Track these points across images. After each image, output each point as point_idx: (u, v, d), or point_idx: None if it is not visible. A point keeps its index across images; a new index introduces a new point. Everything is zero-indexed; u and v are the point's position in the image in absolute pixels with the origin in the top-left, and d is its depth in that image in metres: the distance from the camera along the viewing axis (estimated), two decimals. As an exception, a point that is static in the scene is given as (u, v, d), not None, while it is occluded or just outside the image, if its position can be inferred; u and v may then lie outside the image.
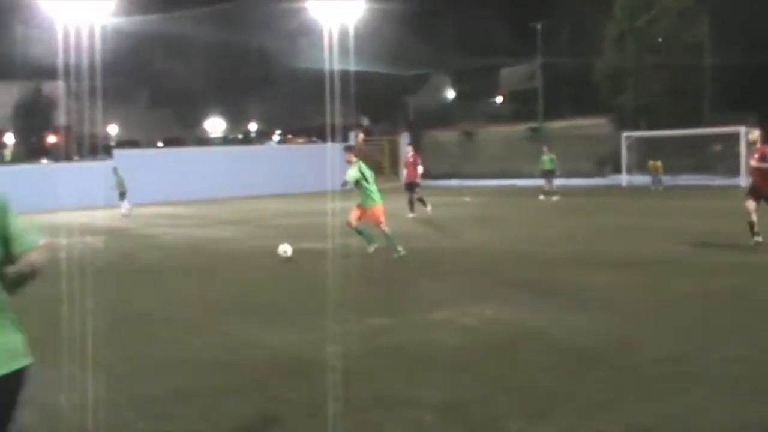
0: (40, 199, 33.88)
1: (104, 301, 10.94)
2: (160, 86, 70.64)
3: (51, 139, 66.42)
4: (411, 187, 25.53)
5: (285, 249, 15.59)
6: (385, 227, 15.46)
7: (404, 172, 26.62)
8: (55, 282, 13.16)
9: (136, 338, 9.29)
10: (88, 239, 22.15)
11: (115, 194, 32.34)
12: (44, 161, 53.38)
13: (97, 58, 41.17)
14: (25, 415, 6.48)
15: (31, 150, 63.69)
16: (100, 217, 30.63)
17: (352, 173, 15.48)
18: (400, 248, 15.17)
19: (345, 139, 50.28)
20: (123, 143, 62.33)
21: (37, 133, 66.61)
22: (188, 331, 9.57)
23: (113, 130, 71.50)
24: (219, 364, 7.98)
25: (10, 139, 67.74)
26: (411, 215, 24.42)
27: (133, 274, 15.26)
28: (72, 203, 32.53)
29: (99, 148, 49.54)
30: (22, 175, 40.12)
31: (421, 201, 24.87)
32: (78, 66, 42.52)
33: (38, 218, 31.02)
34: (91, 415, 6.33)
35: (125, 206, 32.01)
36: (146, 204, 38.27)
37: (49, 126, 66.81)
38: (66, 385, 7.32)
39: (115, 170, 33.52)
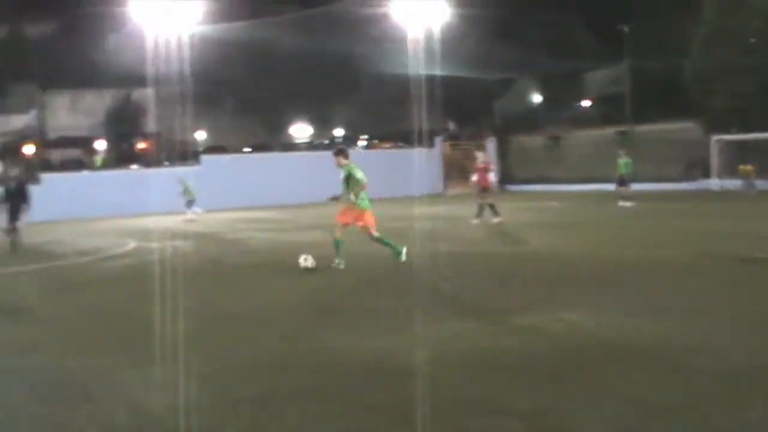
0: (131, 203, 34.55)
1: (193, 303, 11.09)
2: (247, 93, 71.29)
3: (141, 145, 67.64)
4: (482, 193, 25.26)
5: (305, 258, 15.26)
6: (341, 231, 15.58)
7: (475, 178, 26.27)
8: (147, 284, 13.44)
9: (224, 340, 9.35)
10: (177, 243, 22.47)
11: (183, 201, 32.84)
12: (134, 167, 54.32)
13: (186, 66, 41.86)
14: (116, 414, 6.66)
15: (121, 156, 64.88)
16: (189, 221, 31.03)
17: (361, 175, 15.39)
18: (338, 261, 15.23)
19: (431, 144, 50.23)
20: (210, 149, 63.08)
21: (128, 140, 67.86)
22: (275, 335, 9.61)
23: (201, 136, 72.46)
24: (305, 368, 7.98)
25: (101, 145, 69.09)
26: (475, 221, 24.20)
27: (220, 277, 15.42)
28: (161, 208, 33.13)
29: (187, 154, 50.19)
30: (113, 181, 40.98)
31: (492, 208, 24.51)
32: (167, 74, 43.30)
33: (129, 222, 31.74)
34: (180, 416, 6.40)
35: (192, 211, 32.40)
36: (232, 209, 38.77)
37: (138, 132, 68.04)
38: (156, 385, 7.44)
39: (180, 179, 33.81)
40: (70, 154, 64.52)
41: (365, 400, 6.85)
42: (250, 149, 64.87)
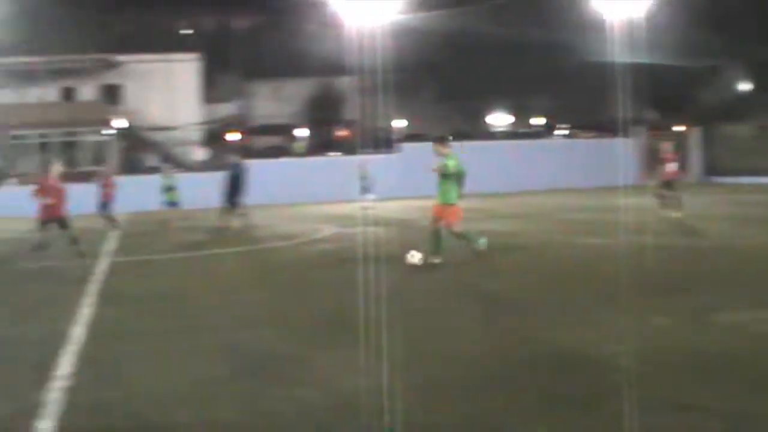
0: (332, 189, 35.00)
1: (389, 289, 10.98)
2: (447, 81, 71.35)
3: (340, 132, 68.72)
4: (668, 185, 24.07)
5: (413, 254, 14.51)
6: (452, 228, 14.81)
7: (661, 169, 25.02)
8: (342, 269, 13.53)
9: (413, 327, 9.28)
10: (374, 229, 22.56)
11: (360, 187, 32.99)
12: (333, 154, 55.18)
13: (386, 54, 42.09)
14: (311, 395, 6.57)
15: (321, 143, 66.11)
16: (387, 207, 31.20)
17: (453, 163, 14.69)
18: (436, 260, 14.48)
19: (632, 134, 48.80)
20: (409, 137, 63.37)
21: (327, 127, 69.06)
22: (465, 323, 9.55)
23: (400, 124, 73.01)
24: (495, 357, 7.87)
25: (302, 132, 70.63)
26: (675, 214, 23.07)
27: (414, 265, 15.27)
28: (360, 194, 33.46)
29: (386, 142, 50.57)
30: (312, 167, 41.74)
31: (672, 201, 23.26)
32: (367, 62, 43.68)
33: (328, 208, 32.25)
34: (370, 397, 6.38)
35: (367, 198, 32.57)
36: (431, 196, 38.74)
37: (338, 120, 69.16)
38: (352, 369, 7.46)
39: (361, 164, 34.09)
40: (271, 141, 66.29)
41: (559, 391, 6.67)
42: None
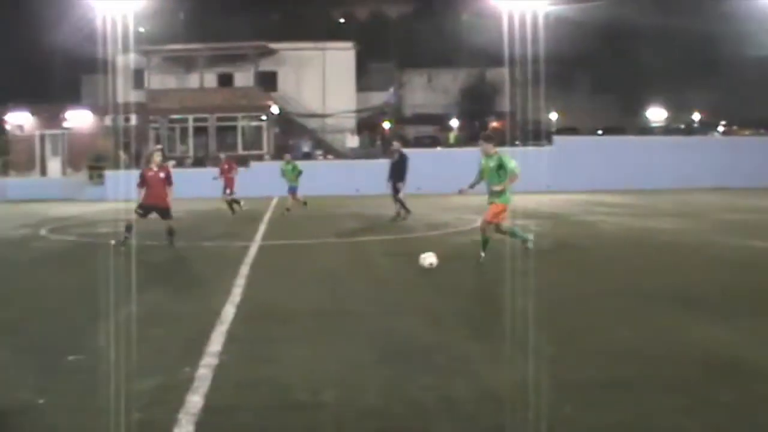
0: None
1: (538, 283, 10.81)
2: (602, 74, 70.12)
3: (493, 124, 68.30)
4: None
5: (426, 257, 13.53)
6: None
7: None
8: (489, 262, 13.39)
9: (565, 323, 9.10)
10: (523, 222, 22.29)
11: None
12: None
13: (540, 45, 41.64)
14: (455, 385, 6.46)
15: (474, 134, 65.77)
16: (539, 201, 30.84)
17: (513, 165, 14.06)
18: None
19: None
20: (562, 130, 62.52)
21: (480, 118, 68.72)
22: (617, 321, 9.23)
23: (553, 116, 72.12)
24: (645, 357, 7.56)
25: (455, 123, 70.55)
26: None
27: (566, 259, 15.09)
28: (515, 187, 33.20)
29: (540, 134, 50.03)
30: (465, 158, 41.57)
31: None
32: (521, 54, 43.31)
33: (480, 199, 32.05)
34: (519, 394, 6.21)
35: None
36: (581, 191, 38.20)
37: (491, 111, 68.73)
38: (498, 361, 7.39)
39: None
40: (424, 130, 66.45)
41: (712, 396, 6.32)
42: (602, 131, 63.61)
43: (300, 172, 27.96)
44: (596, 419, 5.83)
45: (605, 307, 10.06)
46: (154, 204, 17.18)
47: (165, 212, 17.42)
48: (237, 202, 27.47)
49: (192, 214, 27.07)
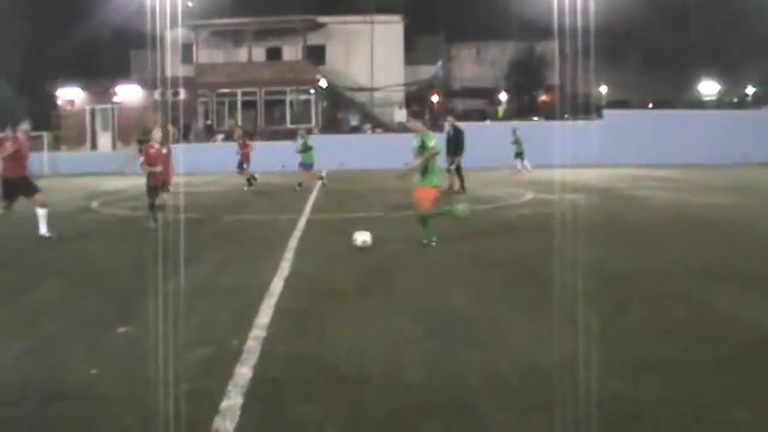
0: (531, 155, 34.58)
1: (585, 258, 10.75)
2: (655, 47, 69.22)
3: (542, 97, 67.79)
4: None
5: (359, 235, 13.29)
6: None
7: None
8: (538, 236, 13.32)
9: (614, 299, 9.00)
10: (573, 196, 22.17)
11: (512, 153, 34.21)
12: (535, 119, 54.52)
13: (590, 18, 41.14)
14: (500, 361, 6.44)
15: (522, 108, 65.38)
16: (588, 175, 30.65)
17: (433, 143, 13.13)
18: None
19: None
20: (613, 103, 61.85)
21: (529, 92, 68.23)
22: (668, 298, 9.09)
23: (603, 90, 71.40)
24: (698, 335, 7.47)
25: (503, 96, 70.11)
26: None
27: (615, 234, 14.93)
28: (563, 161, 33.06)
29: (589, 108, 49.57)
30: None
31: None
32: (571, 27, 42.85)
33: (529, 174, 31.96)
34: (565, 371, 6.22)
35: (521, 165, 33.28)
36: (631, 165, 37.90)
37: (540, 85, 68.19)
38: (545, 338, 7.30)
39: (514, 131, 34.65)
40: (473, 104, 66.12)
41: (764, 378, 6.24)
42: (653, 105, 62.86)
43: (310, 148, 27.54)
44: (644, 395, 5.78)
45: (655, 283, 9.94)
46: (162, 181, 17.30)
47: (166, 187, 17.89)
48: (254, 177, 27.84)
49: (236, 187, 27.42)
